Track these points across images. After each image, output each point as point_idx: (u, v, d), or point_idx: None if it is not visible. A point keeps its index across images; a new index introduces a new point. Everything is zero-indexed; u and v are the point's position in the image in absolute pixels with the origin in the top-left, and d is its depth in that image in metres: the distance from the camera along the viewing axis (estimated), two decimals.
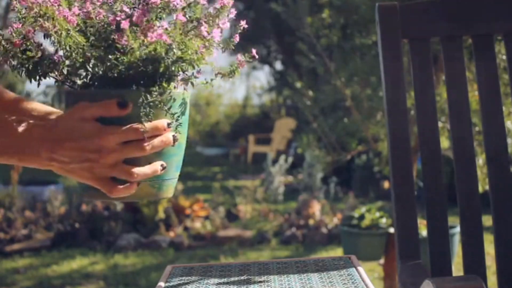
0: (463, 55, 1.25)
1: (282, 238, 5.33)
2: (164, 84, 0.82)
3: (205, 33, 0.83)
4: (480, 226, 1.21)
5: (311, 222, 5.51)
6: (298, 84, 3.46)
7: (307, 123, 4.09)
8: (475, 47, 1.25)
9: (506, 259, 1.20)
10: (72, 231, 5.29)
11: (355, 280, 0.95)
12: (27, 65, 0.82)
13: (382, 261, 3.96)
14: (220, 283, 0.98)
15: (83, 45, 0.79)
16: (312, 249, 5.07)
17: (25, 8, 0.80)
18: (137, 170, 0.80)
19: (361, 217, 4.79)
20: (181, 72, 0.83)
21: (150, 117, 0.80)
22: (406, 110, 1.22)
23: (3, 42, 0.82)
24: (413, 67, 1.24)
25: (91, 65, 0.81)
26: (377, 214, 4.77)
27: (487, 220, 1.16)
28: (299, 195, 6.40)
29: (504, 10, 1.25)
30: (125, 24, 0.77)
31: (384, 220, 4.70)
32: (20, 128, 0.81)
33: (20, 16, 0.82)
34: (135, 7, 0.83)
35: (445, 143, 3.02)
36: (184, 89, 0.86)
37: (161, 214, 5.35)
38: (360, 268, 1.01)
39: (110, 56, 0.79)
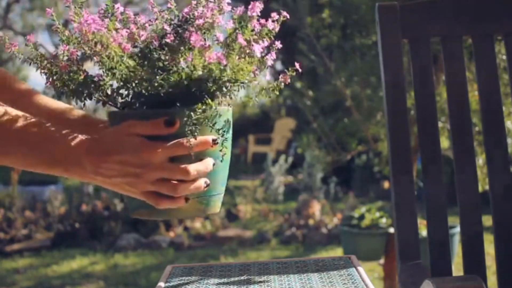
0: (463, 55, 1.25)
1: (282, 238, 5.33)
2: (209, 101, 0.82)
3: (259, 54, 0.84)
4: (480, 226, 1.21)
5: (311, 222, 5.51)
6: (298, 84, 3.46)
7: (307, 123, 4.09)
8: (475, 47, 1.25)
9: (506, 259, 1.20)
10: (72, 231, 5.29)
11: (355, 280, 0.95)
12: (71, 87, 0.83)
13: (382, 261, 3.96)
14: (220, 283, 0.98)
15: (133, 67, 0.80)
16: (312, 249, 5.07)
17: (78, 34, 0.81)
18: (181, 186, 0.81)
19: (361, 217, 4.79)
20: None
21: (195, 134, 0.81)
22: (406, 110, 1.22)
23: (47, 64, 0.83)
24: (413, 67, 1.24)
25: (135, 85, 0.81)
26: (377, 214, 4.77)
27: (487, 220, 1.16)
28: (299, 195, 6.40)
29: (504, 10, 1.25)
30: (174, 44, 0.79)
31: (384, 220, 4.70)
32: (67, 139, 0.82)
33: (65, 38, 0.83)
34: (179, 25, 0.84)
35: (445, 143, 3.02)
36: (229, 105, 0.87)
37: None
38: (360, 268, 1.01)
39: (158, 77, 0.80)
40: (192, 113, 0.80)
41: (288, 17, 0.88)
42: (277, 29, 0.87)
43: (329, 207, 5.85)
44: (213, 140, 0.82)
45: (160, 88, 0.80)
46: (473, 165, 1.22)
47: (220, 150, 0.84)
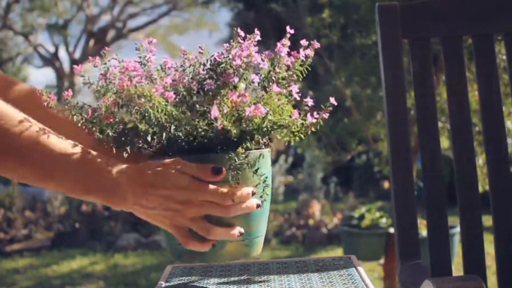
0: (463, 55, 1.25)
1: (282, 238, 5.33)
2: (249, 144, 0.83)
3: (297, 96, 0.85)
4: (480, 226, 1.21)
5: (311, 222, 5.51)
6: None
7: None
8: (475, 47, 1.25)
9: (506, 259, 1.20)
10: (72, 231, 5.29)
11: (355, 280, 0.95)
12: (112, 136, 0.84)
13: (382, 261, 3.96)
14: (220, 283, 0.98)
15: (176, 115, 0.81)
16: (312, 249, 5.07)
17: (117, 87, 0.82)
18: (215, 230, 0.83)
19: (361, 217, 4.79)
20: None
21: (238, 180, 0.82)
22: (406, 110, 1.22)
23: (85, 116, 0.84)
24: (413, 67, 1.24)
25: (176, 130, 0.82)
26: (377, 214, 4.77)
27: (487, 220, 1.16)
28: (299, 195, 6.40)
29: (504, 10, 1.25)
30: (215, 111, 0.80)
31: (384, 220, 4.70)
32: (108, 167, 0.83)
33: (104, 90, 0.85)
34: (212, 69, 0.85)
35: (445, 143, 3.02)
36: (269, 145, 0.88)
37: None
38: (360, 268, 1.01)
39: (201, 123, 0.81)
40: (236, 158, 0.81)
41: (319, 46, 0.90)
42: (312, 56, 0.88)
43: (329, 207, 5.85)
44: (253, 193, 0.83)
45: (201, 133, 0.81)
46: (473, 165, 1.22)
47: (261, 196, 0.85)
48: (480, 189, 1.26)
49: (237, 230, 0.84)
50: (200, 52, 0.89)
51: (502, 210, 1.21)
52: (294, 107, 0.86)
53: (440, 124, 2.77)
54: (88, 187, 0.82)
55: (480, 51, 1.25)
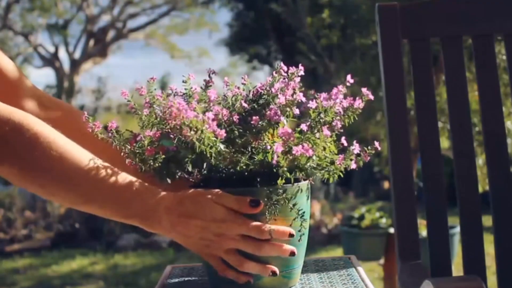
0: (463, 55, 1.25)
1: None
2: (288, 175, 0.83)
3: (345, 142, 0.86)
4: (480, 226, 1.21)
5: (311, 222, 5.51)
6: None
7: None
8: (475, 47, 1.25)
9: (506, 259, 1.20)
10: (72, 231, 5.29)
11: (355, 280, 0.95)
12: (153, 166, 0.85)
13: (382, 261, 3.96)
14: None
15: (223, 150, 0.82)
16: (312, 249, 5.07)
17: (163, 118, 0.83)
18: (248, 264, 0.84)
19: (361, 217, 4.78)
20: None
21: (276, 214, 0.82)
22: (406, 110, 1.22)
23: (128, 147, 0.86)
24: (413, 67, 1.24)
25: (214, 161, 0.83)
26: (377, 214, 4.77)
27: (487, 220, 1.16)
28: None
29: (504, 10, 1.25)
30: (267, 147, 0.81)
31: (384, 220, 4.70)
32: (148, 196, 0.84)
33: (146, 122, 0.86)
34: (254, 100, 0.86)
35: (445, 143, 3.02)
36: (308, 180, 0.88)
37: None
38: (360, 268, 1.01)
39: (243, 157, 0.82)
40: (273, 194, 0.82)
41: (372, 98, 0.90)
42: (361, 106, 0.88)
43: (329, 207, 5.85)
44: (291, 235, 0.83)
45: (244, 167, 0.82)
46: (473, 165, 1.22)
47: (299, 231, 0.86)
48: (480, 189, 1.26)
49: (269, 269, 0.84)
50: (242, 83, 0.90)
51: (502, 210, 1.21)
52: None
53: (440, 124, 2.77)
54: (127, 213, 0.85)
55: (480, 51, 1.25)
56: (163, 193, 0.85)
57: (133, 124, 0.94)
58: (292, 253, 0.84)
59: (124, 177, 0.84)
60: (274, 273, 0.84)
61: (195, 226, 0.82)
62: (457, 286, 0.83)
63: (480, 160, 2.77)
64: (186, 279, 1.01)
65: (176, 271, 1.06)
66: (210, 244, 0.83)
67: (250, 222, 0.82)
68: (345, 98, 0.89)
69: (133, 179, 0.85)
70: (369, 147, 0.87)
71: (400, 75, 1.23)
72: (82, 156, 0.83)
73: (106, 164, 0.84)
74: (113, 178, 0.83)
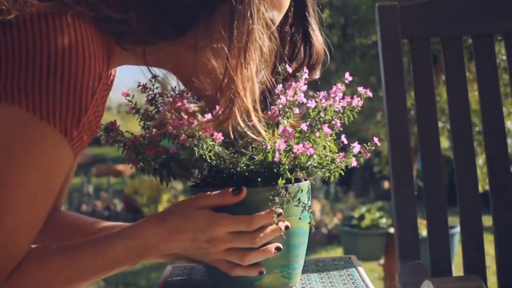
0: (463, 55, 1.25)
1: None
2: (289, 175, 0.83)
3: (345, 140, 0.86)
4: (480, 226, 1.21)
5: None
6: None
7: None
8: (475, 47, 1.25)
9: (506, 259, 1.20)
10: None
11: (355, 280, 0.95)
12: (154, 167, 0.86)
13: (382, 261, 3.96)
14: None
15: (220, 152, 0.81)
16: (312, 249, 5.07)
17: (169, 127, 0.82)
18: (249, 254, 0.83)
19: (361, 217, 4.79)
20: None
21: (282, 213, 0.82)
22: (406, 110, 1.22)
23: (132, 147, 0.86)
24: (413, 67, 1.24)
25: (214, 162, 0.82)
26: (377, 214, 4.78)
27: (487, 220, 1.16)
28: None
29: (504, 10, 1.25)
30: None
31: (384, 220, 4.70)
32: (133, 235, 0.82)
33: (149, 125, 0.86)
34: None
35: (445, 143, 3.02)
36: (309, 179, 0.88)
37: None
38: (360, 268, 1.01)
39: (243, 158, 0.81)
40: (276, 195, 0.82)
41: (371, 95, 0.90)
42: (360, 104, 0.89)
43: (329, 207, 5.85)
44: (278, 215, 0.82)
45: (244, 168, 0.82)
46: (473, 165, 1.22)
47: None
48: (480, 189, 1.26)
49: (273, 247, 0.83)
50: None
51: (502, 210, 1.21)
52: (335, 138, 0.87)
53: (440, 124, 2.77)
54: (132, 261, 0.83)
55: (480, 51, 1.25)
56: (149, 225, 0.83)
57: (133, 124, 0.94)
58: (287, 227, 0.83)
59: (107, 235, 0.83)
60: (278, 249, 0.83)
61: (184, 240, 0.82)
62: (457, 286, 0.83)
63: (480, 160, 2.77)
64: (186, 279, 1.01)
65: (176, 271, 1.06)
66: (206, 251, 0.83)
67: (235, 218, 0.82)
68: (343, 98, 0.89)
69: (115, 228, 0.84)
70: (368, 144, 0.87)
71: (400, 75, 1.23)
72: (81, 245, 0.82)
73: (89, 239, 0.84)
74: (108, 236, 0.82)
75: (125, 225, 0.87)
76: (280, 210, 0.82)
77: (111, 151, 10.01)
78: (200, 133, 0.78)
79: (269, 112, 0.83)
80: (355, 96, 0.89)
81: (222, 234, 0.82)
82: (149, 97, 0.87)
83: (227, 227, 0.82)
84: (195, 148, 0.79)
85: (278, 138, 0.82)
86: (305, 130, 0.84)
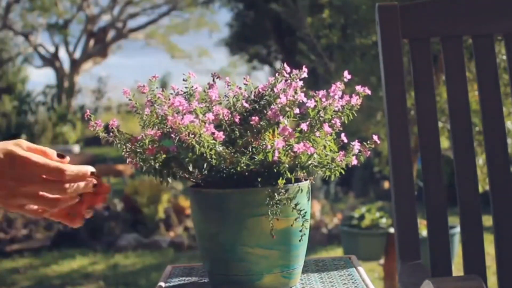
0: (463, 55, 1.25)
1: None
2: (289, 175, 0.83)
3: (345, 139, 0.86)
4: (480, 226, 1.21)
5: (311, 222, 5.51)
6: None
7: None
8: (475, 47, 1.25)
9: (506, 259, 1.20)
10: (72, 231, 5.29)
11: (355, 280, 0.95)
12: (155, 166, 0.85)
13: (382, 261, 3.96)
14: None
15: (221, 151, 0.82)
16: (312, 249, 5.07)
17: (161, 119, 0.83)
18: (59, 200, 0.79)
19: (361, 217, 4.78)
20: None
21: (278, 215, 0.82)
22: (406, 110, 1.22)
23: (132, 147, 0.86)
24: (413, 67, 1.24)
25: (214, 162, 0.83)
26: (377, 214, 4.77)
27: (487, 220, 1.16)
28: None
29: (504, 10, 1.25)
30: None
31: (384, 220, 4.70)
32: None
33: (147, 122, 0.86)
34: (256, 101, 0.87)
35: (445, 143, 3.02)
36: (309, 179, 0.88)
37: (161, 214, 5.35)
38: (360, 268, 1.01)
39: (243, 158, 0.82)
40: (275, 194, 0.82)
41: (370, 92, 0.91)
42: (359, 103, 0.89)
43: (329, 207, 5.85)
44: (92, 173, 0.80)
45: (244, 167, 0.82)
46: (473, 165, 1.22)
47: (300, 231, 0.86)
48: (480, 189, 1.26)
49: (84, 168, 0.80)
50: (244, 84, 0.90)
51: (502, 210, 1.21)
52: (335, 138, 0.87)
53: (440, 124, 2.77)
54: None
55: (480, 51, 1.25)
56: None
57: (133, 124, 0.94)
58: (95, 185, 0.81)
59: None
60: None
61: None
62: (457, 286, 0.83)
63: (480, 160, 2.77)
64: (186, 279, 1.01)
65: (176, 271, 1.06)
66: (13, 191, 0.77)
67: (49, 163, 0.77)
68: (342, 97, 0.89)
69: None
70: (368, 142, 0.87)
71: (400, 75, 1.23)
72: None
73: None
74: None
75: None
76: (92, 168, 0.80)
77: (111, 151, 10.01)
78: (202, 131, 0.78)
79: (269, 112, 0.84)
80: (353, 94, 0.89)
81: (34, 174, 0.77)
82: (149, 97, 0.87)
83: (40, 168, 0.77)
84: (196, 146, 0.79)
85: (278, 137, 0.82)
86: (305, 130, 0.84)
